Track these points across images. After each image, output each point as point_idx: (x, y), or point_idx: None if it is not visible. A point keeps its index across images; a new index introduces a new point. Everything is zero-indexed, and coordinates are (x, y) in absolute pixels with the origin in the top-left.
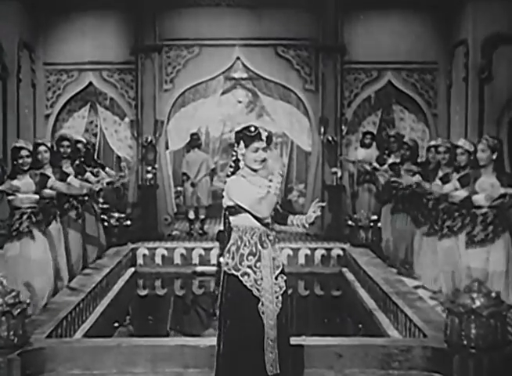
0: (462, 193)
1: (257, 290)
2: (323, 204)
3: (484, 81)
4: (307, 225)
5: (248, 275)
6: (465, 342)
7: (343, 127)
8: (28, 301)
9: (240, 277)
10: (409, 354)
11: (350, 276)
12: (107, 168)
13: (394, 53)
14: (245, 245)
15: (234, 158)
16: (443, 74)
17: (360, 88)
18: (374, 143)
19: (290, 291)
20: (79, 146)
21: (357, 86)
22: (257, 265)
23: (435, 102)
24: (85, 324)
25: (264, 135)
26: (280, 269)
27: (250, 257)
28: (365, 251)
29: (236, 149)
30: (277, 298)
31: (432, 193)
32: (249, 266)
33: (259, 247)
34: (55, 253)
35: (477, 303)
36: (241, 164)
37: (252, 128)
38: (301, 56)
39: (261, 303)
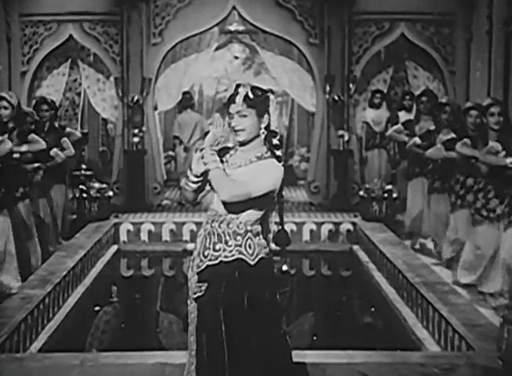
0: None
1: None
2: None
3: (510, 35)
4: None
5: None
6: None
7: (350, 85)
8: None
9: None
10: (453, 374)
11: (362, 255)
12: (68, 129)
13: (409, 3)
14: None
15: None
16: (462, 27)
17: (370, 42)
18: (384, 103)
19: (293, 271)
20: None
21: (367, 40)
22: (194, 252)
23: (453, 58)
24: (53, 322)
25: (242, 94)
26: (200, 272)
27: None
28: (378, 226)
29: None
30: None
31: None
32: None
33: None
34: None
35: None
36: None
37: (234, 86)
38: (304, 5)
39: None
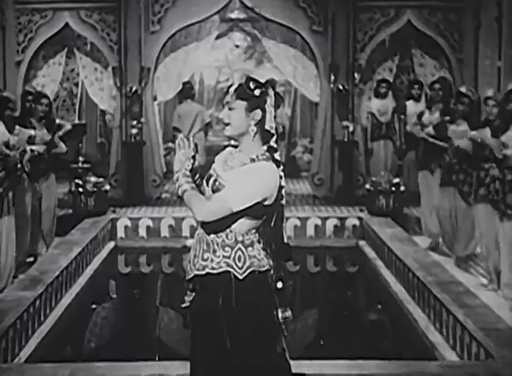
0: None
1: None
2: None
3: None
4: None
5: None
6: None
7: (355, 74)
8: None
9: None
10: None
11: (369, 251)
12: (59, 121)
13: None
14: None
15: None
16: (471, 14)
17: (375, 29)
18: (390, 93)
19: (297, 268)
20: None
21: (372, 27)
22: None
23: (461, 45)
24: (44, 326)
25: (236, 84)
26: (188, 280)
27: None
28: (386, 221)
29: None
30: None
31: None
32: None
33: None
34: None
35: None
36: None
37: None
38: None
39: None
